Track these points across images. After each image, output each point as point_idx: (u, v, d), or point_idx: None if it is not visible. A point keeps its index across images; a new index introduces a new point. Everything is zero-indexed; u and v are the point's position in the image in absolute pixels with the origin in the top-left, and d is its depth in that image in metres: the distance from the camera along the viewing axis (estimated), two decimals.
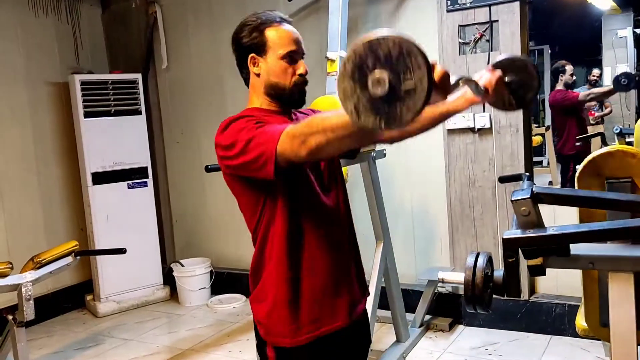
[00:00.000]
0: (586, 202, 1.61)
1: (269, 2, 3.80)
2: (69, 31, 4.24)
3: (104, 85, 3.99)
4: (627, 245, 1.55)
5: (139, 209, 4.16)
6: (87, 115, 3.93)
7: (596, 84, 6.43)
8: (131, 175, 4.10)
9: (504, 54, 1.50)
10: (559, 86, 4.73)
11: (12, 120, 3.89)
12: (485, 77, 1.42)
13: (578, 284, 1.74)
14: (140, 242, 4.11)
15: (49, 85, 4.09)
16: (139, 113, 4.13)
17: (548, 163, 6.05)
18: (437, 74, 1.00)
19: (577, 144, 4.30)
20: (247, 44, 1.43)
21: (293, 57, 1.43)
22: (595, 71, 6.46)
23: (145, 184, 4.18)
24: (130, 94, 4.09)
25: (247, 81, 1.50)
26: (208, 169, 2.74)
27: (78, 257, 2.64)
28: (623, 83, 4.01)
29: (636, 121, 3.51)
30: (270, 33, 1.42)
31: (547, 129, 6.27)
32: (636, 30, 6.16)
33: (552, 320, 3.15)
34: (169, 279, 4.31)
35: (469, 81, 1.37)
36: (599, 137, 4.13)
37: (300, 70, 1.44)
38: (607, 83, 6.57)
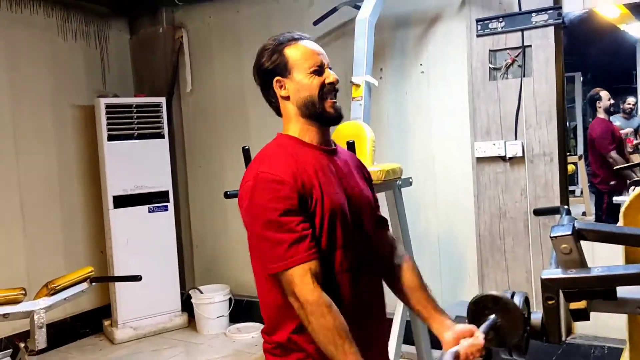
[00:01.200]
0: (634, 241, 1.48)
1: (294, 26, 3.77)
2: (97, 56, 4.29)
3: (128, 109, 3.99)
4: None
5: (159, 233, 4.11)
6: (111, 138, 3.92)
7: (632, 112, 6.21)
8: (152, 199, 4.07)
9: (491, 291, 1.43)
10: (600, 114, 4.49)
11: (37, 143, 3.91)
12: (464, 345, 1.33)
13: (619, 324, 1.62)
14: (159, 267, 4.05)
15: (75, 109, 4.11)
16: (162, 136, 4.12)
17: (581, 193, 5.83)
18: None
19: (612, 183, 4.10)
20: (270, 67, 1.37)
21: (319, 69, 1.36)
22: (631, 99, 6.24)
23: (166, 208, 4.14)
24: (154, 117, 4.09)
25: (278, 110, 1.42)
26: (227, 195, 2.66)
27: (93, 284, 2.58)
28: None
29: None
30: (290, 51, 1.36)
31: (580, 157, 6.05)
32: None
33: None
34: (187, 306, 4.23)
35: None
36: (637, 168, 3.92)
37: (330, 79, 1.36)
38: None
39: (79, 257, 4.05)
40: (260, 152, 1.37)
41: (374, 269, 1.42)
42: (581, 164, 5.94)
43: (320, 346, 1.21)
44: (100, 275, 4.02)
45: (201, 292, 4.16)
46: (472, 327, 1.34)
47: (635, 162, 4.17)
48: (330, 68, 1.39)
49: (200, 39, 4.33)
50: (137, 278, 2.60)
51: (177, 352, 3.77)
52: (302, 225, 1.24)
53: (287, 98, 1.37)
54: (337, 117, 1.38)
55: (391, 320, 2.66)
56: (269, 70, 1.37)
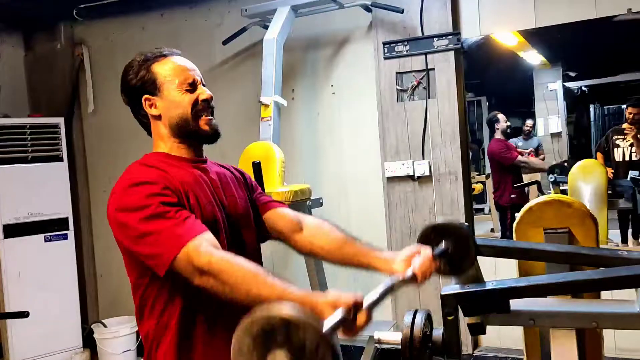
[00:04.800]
0: (525, 255, 1.53)
1: (202, 45, 3.69)
2: None
3: (20, 130, 3.68)
4: (568, 300, 1.49)
5: (57, 264, 3.80)
6: (1, 162, 3.61)
7: (530, 134, 6.66)
8: (49, 227, 3.76)
9: (441, 219, 1.45)
10: (497, 135, 4.82)
11: None
12: (416, 263, 1.29)
13: (520, 336, 1.64)
14: (57, 301, 3.74)
15: None
16: (60, 160, 3.84)
17: (490, 211, 6.13)
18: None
19: (512, 196, 4.37)
20: (137, 84, 1.30)
21: (191, 86, 1.30)
22: (529, 122, 6.70)
23: (65, 237, 3.85)
24: (51, 139, 3.81)
25: (148, 129, 1.35)
26: None
27: None
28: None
29: (569, 170, 3.58)
30: (159, 68, 1.30)
31: (488, 177, 6.38)
32: (565, 84, 6.46)
33: None
34: (89, 342, 3.92)
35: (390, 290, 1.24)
36: (535, 185, 4.17)
37: (204, 95, 1.31)
38: (541, 133, 6.83)
39: None
40: (122, 174, 1.28)
41: None
42: (489, 183, 6.25)
43: (249, 298, 1.04)
44: None
45: (105, 326, 3.87)
46: (418, 245, 1.32)
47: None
48: (204, 85, 1.34)
49: (103, 57, 4.11)
50: (23, 314, 2.37)
51: None
52: (182, 212, 1.16)
53: (159, 117, 1.31)
54: (213, 135, 1.33)
55: None
56: (136, 88, 1.30)
